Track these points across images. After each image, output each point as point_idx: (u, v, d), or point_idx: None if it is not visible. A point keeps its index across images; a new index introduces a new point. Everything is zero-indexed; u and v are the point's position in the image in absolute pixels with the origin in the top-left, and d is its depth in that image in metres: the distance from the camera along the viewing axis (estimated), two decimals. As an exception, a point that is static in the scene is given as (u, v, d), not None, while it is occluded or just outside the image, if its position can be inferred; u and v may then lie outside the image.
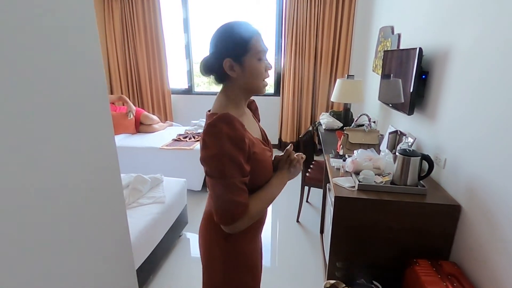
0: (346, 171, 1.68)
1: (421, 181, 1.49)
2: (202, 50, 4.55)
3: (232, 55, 0.80)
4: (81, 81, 0.79)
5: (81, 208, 0.82)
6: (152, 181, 2.08)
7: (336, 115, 3.07)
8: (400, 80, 2.01)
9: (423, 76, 1.78)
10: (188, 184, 2.93)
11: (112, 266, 0.93)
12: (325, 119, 2.99)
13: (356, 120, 2.16)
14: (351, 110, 3.00)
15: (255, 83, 0.85)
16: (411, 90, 1.76)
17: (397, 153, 1.50)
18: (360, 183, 1.50)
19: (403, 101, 1.94)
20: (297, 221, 2.54)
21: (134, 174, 2.20)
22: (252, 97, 0.97)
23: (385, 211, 1.43)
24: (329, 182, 1.98)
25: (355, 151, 1.71)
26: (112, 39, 4.14)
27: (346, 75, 2.90)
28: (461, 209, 1.36)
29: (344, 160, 1.71)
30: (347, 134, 2.02)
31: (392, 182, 1.53)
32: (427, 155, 1.47)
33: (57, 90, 0.70)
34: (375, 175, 1.56)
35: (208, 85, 5.22)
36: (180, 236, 2.36)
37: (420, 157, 1.44)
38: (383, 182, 1.52)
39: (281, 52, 4.08)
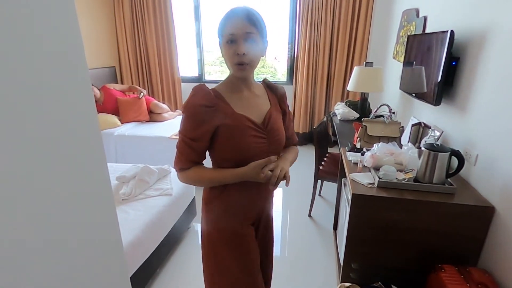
0: (365, 166, 1.55)
1: (449, 179, 1.36)
2: (213, 38, 4.41)
3: (219, 38, 0.92)
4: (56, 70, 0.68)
5: (62, 209, 0.72)
6: (159, 172, 2.02)
7: (352, 105, 2.91)
8: (424, 68, 1.84)
9: (453, 63, 1.61)
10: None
11: (99, 272, 0.83)
12: (340, 109, 2.84)
13: (376, 110, 2.01)
14: (369, 100, 2.83)
15: (229, 65, 0.92)
16: (439, 79, 1.59)
17: (422, 148, 1.36)
18: (380, 179, 1.38)
19: (426, 90, 1.78)
20: (309, 215, 2.45)
21: (141, 164, 2.14)
22: (277, 84, 1.09)
23: (408, 211, 1.31)
24: (344, 177, 1.87)
25: (374, 145, 1.58)
26: (122, 27, 4.05)
27: (364, 63, 2.72)
28: (495, 211, 1.22)
29: (362, 154, 1.58)
30: (365, 126, 1.88)
31: (416, 179, 1.40)
32: (457, 150, 1.32)
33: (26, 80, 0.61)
34: (397, 171, 1.43)
35: (220, 74, 5.11)
36: (189, 228, 2.31)
37: (449, 153, 1.30)
38: (406, 179, 1.39)
39: (295, 38, 3.91)
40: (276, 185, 0.90)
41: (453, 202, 1.26)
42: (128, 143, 3.05)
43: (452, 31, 1.51)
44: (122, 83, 4.29)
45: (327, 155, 2.60)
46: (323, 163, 2.45)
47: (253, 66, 0.93)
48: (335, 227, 2.15)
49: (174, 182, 2.02)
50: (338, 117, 2.80)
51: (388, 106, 1.92)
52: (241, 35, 0.86)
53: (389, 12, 3.21)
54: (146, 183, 1.88)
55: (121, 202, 1.73)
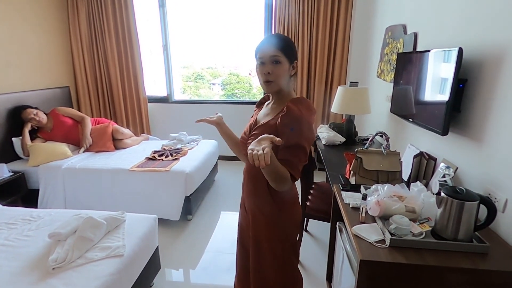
0: (368, 213, 1.24)
1: (476, 233, 1.08)
2: (182, 52, 4.08)
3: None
4: None
5: None
6: (109, 224, 1.58)
7: (337, 127, 2.65)
8: (421, 90, 1.60)
9: (460, 86, 1.38)
10: (164, 213, 2.46)
11: None
12: (324, 133, 2.57)
13: (371, 140, 1.74)
14: (354, 122, 2.59)
15: (260, 83, 1.12)
16: (447, 103, 1.35)
17: (442, 193, 1.08)
18: (393, 236, 1.07)
19: (427, 116, 1.54)
20: (296, 258, 2.09)
21: (85, 212, 1.70)
22: (292, 112, 1.05)
23: (431, 279, 1.00)
24: (339, 220, 1.56)
25: (379, 187, 1.28)
26: (78, 41, 3.60)
27: (348, 82, 2.49)
28: (543, 278, 0.95)
29: (364, 198, 1.27)
30: (360, 158, 1.59)
31: (434, 232, 1.11)
32: (487, 197, 1.05)
33: None
34: (409, 220, 1.13)
35: (195, 89, 4.77)
36: (151, 286, 1.86)
37: (478, 202, 1.02)
38: (423, 234, 1.09)
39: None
40: (256, 163, 0.83)
41: (489, 269, 0.97)
42: (79, 178, 2.56)
43: (460, 49, 1.27)
44: (78, 104, 3.79)
45: (313, 186, 2.29)
46: (309, 196, 2.13)
47: (278, 84, 1.08)
48: (329, 278, 1.80)
49: (130, 233, 1.60)
50: (323, 142, 2.53)
51: (384, 134, 1.67)
52: (268, 58, 1.05)
53: (369, 29, 3.06)
54: (89, 241, 1.44)
55: (51, 273, 1.28)
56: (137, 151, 3.03)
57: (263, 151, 0.83)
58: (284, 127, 1.03)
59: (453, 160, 1.42)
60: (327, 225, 1.94)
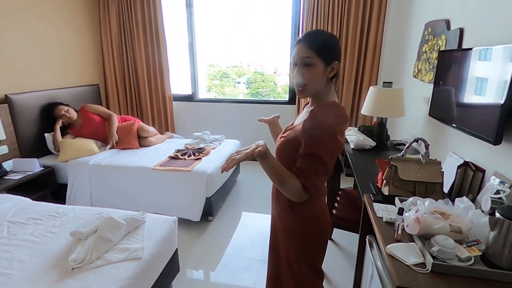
0: (405, 230, 1.11)
1: (539, 262, 0.91)
2: (208, 51, 4.07)
3: None
4: None
5: None
6: (129, 224, 1.56)
7: (367, 131, 2.49)
8: (459, 90, 1.42)
9: (517, 88, 1.20)
10: (185, 213, 2.43)
11: None
12: (353, 136, 2.42)
13: (408, 146, 1.58)
14: (386, 125, 2.41)
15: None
16: (502, 106, 1.18)
17: (497, 213, 0.93)
18: (436, 260, 0.94)
19: (476, 121, 1.37)
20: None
21: (106, 211, 1.69)
22: (315, 119, 0.96)
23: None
24: (370, 234, 1.42)
25: (418, 201, 1.15)
26: (108, 42, 3.69)
27: (381, 82, 2.32)
28: None
29: (400, 213, 1.14)
30: (395, 166, 1.45)
31: (485, 258, 0.96)
32: (554, 221, 0.89)
33: None
34: (455, 242, 0.99)
35: (220, 88, 4.76)
36: (169, 289, 1.84)
37: (543, 226, 0.86)
38: (472, 260, 0.95)
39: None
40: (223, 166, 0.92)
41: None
42: (105, 175, 2.60)
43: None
44: (107, 102, 3.90)
45: (340, 192, 2.16)
46: (336, 204, 2.00)
47: (309, 89, 0.97)
48: (356, 294, 1.67)
49: (149, 235, 1.57)
50: (351, 145, 2.38)
51: (424, 140, 1.50)
52: (300, 60, 0.95)
53: (405, 25, 2.85)
54: (109, 242, 1.43)
55: (70, 272, 1.27)
56: (160, 149, 3.04)
57: (236, 157, 0.92)
58: (304, 133, 0.94)
59: (508, 173, 1.24)
60: (354, 235, 1.81)
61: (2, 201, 1.91)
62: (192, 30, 3.77)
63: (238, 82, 5.03)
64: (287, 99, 3.82)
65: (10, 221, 1.70)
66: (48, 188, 2.60)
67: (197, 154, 2.81)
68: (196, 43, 3.84)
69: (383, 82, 2.29)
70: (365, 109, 2.34)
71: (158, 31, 3.62)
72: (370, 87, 2.31)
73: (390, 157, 1.49)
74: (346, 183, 3.02)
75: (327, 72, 0.96)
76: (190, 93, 4.01)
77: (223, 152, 2.97)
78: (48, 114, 2.85)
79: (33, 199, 2.03)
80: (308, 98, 1.05)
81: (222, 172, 0.95)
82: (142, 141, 3.14)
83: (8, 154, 2.55)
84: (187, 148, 2.99)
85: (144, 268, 1.39)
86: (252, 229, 2.53)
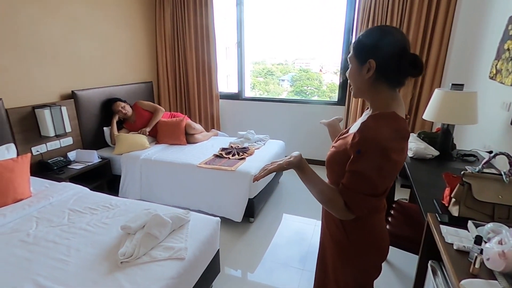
0: (484, 265, 0.94)
1: None
2: (254, 48, 4.05)
3: None
4: None
5: None
6: (174, 222, 1.58)
7: (428, 138, 2.23)
8: None
9: None
10: (227, 212, 2.43)
11: None
12: (412, 144, 2.18)
13: (487, 161, 1.35)
14: (453, 133, 2.13)
15: None
16: None
17: None
18: (529, 309, 0.76)
19: None
20: None
21: (154, 208, 1.74)
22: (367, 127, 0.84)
23: None
24: (433, 258, 1.25)
25: (504, 230, 0.96)
26: (162, 41, 3.85)
27: (449, 84, 2.05)
28: None
29: (477, 243, 0.96)
30: (468, 184, 1.24)
31: None
32: None
33: None
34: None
35: (264, 85, 4.75)
36: (209, 289, 1.84)
37: None
38: None
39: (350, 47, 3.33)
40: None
41: None
42: (153, 169, 2.72)
43: None
44: (158, 99, 4.09)
45: (394, 205, 1.96)
46: (390, 218, 1.82)
47: (355, 90, 0.92)
48: (410, 322, 1.50)
49: (192, 234, 1.57)
50: (410, 154, 2.15)
51: (508, 156, 1.27)
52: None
53: (481, 19, 2.49)
54: (155, 238, 1.46)
55: (118, 266, 1.32)
56: (206, 146, 3.09)
57: (269, 167, 0.91)
58: (352, 147, 0.83)
59: None
60: (410, 255, 1.63)
61: (65, 189, 2.08)
62: (241, 28, 3.76)
63: (283, 80, 4.96)
64: (336, 99, 3.62)
65: (71, 209, 1.83)
66: (105, 178, 2.80)
67: (241, 153, 2.80)
68: (244, 41, 3.83)
69: (452, 84, 2.02)
70: (428, 114, 2.09)
71: (209, 30, 3.68)
72: (436, 90, 2.06)
73: (462, 172, 1.29)
74: (400, 194, 2.77)
75: (363, 72, 0.85)
76: (236, 91, 4.02)
77: (267, 152, 2.91)
78: (107, 109, 3.06)
79: (90, 189, 2.19)
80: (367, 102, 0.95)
81: (253, 182, 0.92)
82: (189, 138, 3.23)
83: (72, 145, 2.80)
84: (231, 146, 2.99)
85: (187, 268, 1.39)
86: (293, 232, 2.45)
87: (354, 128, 0.96)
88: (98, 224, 1.67)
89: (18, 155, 2.20)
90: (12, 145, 2.20)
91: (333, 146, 0.98)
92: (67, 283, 1.23)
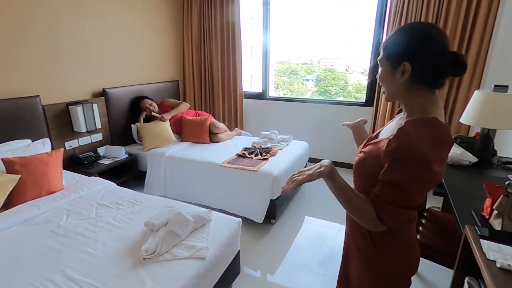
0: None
1: None
2: (279, 48, 4.00)
3: None
4: None
5: None
6: (196, 221, 1.59)
7: (465, 143, 2.08)
8: None
9: None
10: (248, 213, 2.41)
11: None
12: (447, 149, 2.04)
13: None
14: (493, 139, 1.97)
15: None
16: None
17: None
18: None
19: None
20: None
21: (177, 206, 1.75)
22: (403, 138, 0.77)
23: None
24: (469, 275, 1.15)
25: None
26: (189, 40, 3.91)
27: (491, 86, 1.89)
28: None
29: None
30: (514, 195, 1.13)
31: None
32: None
33: None
34: None
35: (289, 85, 4.69)
36: (229, 290, 1.83)
37: None
38: None
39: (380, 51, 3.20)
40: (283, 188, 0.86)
41: None
42: (177, 167, 2.76)
43: None
44: (184, 97, 4.16)
45: (425, 214, 1.85)
46: (420, 228, 1.71)
47: (388, 94, 0.86)
48: None
49: (214, 233, 1.57)
50: (443, 159, 2.01)
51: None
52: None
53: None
54: (177, 237, 1.47)
55: (141, 262, 1.34)
56: (229, 146, 3.09)
57: (298, 178, 0.84)
58: (387, 154, 0.76)
59: None
60: (443, 268, 1.53)
61: (94, 183, 2.16)
62: (267, 28, 3.73)
63: (307, 80, 4.88)
64: (363, 100, 3.49)
65: (99, 203, 1.90)
66: (131, 174, 2.88)
67: (264, 153, 2.77)
68: (270, 40, 3.79)
69: (495, 86, 1.86)
70: (466, 118, 1.94)
71: (235, 30, 3.69)
72: (476, 91, 1.91)
73: (507, 182, 1.17)
74: (432, 202, 2.62)
75: (397, 75, 0.79)
76: (260, 90, 4.00)
77: (290, 153, 2.86)
78: (135, 106, 3.15)
79: (117, 184, 2.25)
80: (401, 105, 0.87)
81: (282, 194, 0.88)
82: (212, 136, 3.25)
83: (102, 141, 2.91)
84: (254, 146, 2.97)
85: (207, 268, 1.39)
86: (315, 236, 2.39)
87: (386, 132, 0.90)
88: (123, 219, 1.72)
89: (52, 149, 2.31)
90: (47, 140, 2.32)
91: (361, 152, 0.92)
92: (93, 276, 1.26)
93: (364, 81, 3.50)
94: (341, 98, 4.20)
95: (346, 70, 4.45)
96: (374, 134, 0.97)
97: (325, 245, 2.27)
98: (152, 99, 3.22)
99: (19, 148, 2.10)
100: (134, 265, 1.32)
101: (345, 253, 1.10)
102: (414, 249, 0.93)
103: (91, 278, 1.25)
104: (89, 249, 1.44)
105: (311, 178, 0.83)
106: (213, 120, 3.34)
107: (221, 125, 3.37)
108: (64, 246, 1.47)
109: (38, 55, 2.35)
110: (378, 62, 0.85)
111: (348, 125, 1.24)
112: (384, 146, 0.78)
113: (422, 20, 2.81)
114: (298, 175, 0.87)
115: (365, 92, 3.47)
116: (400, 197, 0.74)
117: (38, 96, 2.32)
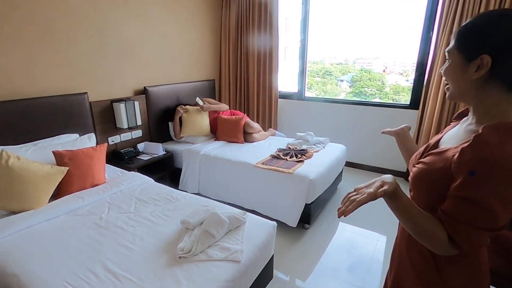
0: None
1: None
2: (315, 48, 3.88)
3: None
4: None
5: None
6: (231, 222, 1.56)
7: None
8: None
9: None
10: (282, 216, 2.36)
11: None
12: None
13: None
14: None
15: None
16: None
17: None
18: None
19: None
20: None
21: (212, 205, 1.74)
22: (478, 120, 0.74)
23: None
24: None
25: None
26: (226, 40, 3.93)
27: None
28: None
29: None
30: None
31: None
32: None
33: None
34: None
35: (322, 85, 4.55)
36: (261, 294, 1.78)
37: None
38: None
39: (429, 49, 2.97)
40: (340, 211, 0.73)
41: None
42: (212, 165, 2.78)
43: None
44: (219, 96, 4.19)
45: (482, 230, 1.65)
46: (476, 246, 1.53)
47: (451, 91, 0.75)
48: None
49: (248, 236, 1.53)
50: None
51: None
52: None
53: None
54: (212, 237, 1.45)
55: (177, 260, 1.34)
56: (263, 146, 3.05)
57: (357, 198, 0.71)
58: (461, 166, 0.65)
59: None
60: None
61: (134, 178, 2.23)
62: (306, 27, 3.64)
63: (341, 80, 4.71)
64: (408, 102, 3.26)
65: (137, 198, 1.95)
66: (167, 170, 2.96)
67: (299, 155, 2.69)
68: (308, 40, 3.69)
69: None
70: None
71: (272, 30, 3.64)
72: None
73: None
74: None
75: (470, 70, 0.68)
76: (296, 90, 3.91)
77: (327, 156, 2.75)
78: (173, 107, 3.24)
79: (155, 180, 2.31)
80: (469, 107, 0.76)
81: (339, 217, 0.75)
82: (246, 136, 3.23)
83: (142, 137, 3.02)
84: (289, 148, 2.90)
85: (241, 272, 1.35)
86: (350, 244, 2.28)
87: (450, 140, 0.79)
88: (160, 215, 1.74)
89: (97, 144, 2.43)
90: (93, 135, 2.45)
91: (420, 162, 0.81)
92: (131, 270, 1.28)
93: (403, 82, 3.27)
94: (377, 100, 3.98)
95: (384, 70, 4.22)
96: (433, 142, 0.86)
97: (362, 256, 2.13)
98: (186, 105, 3.27)
99: (68, 142, 2.22)
100: (170, 263, 1.33)
101: (396, 274, 0.96)
102: (484, 278, 0.81)
103: (129, 273, 1.27)
104: (128, 243, 1.48)
105: (373, 198, 0.71)
106: (248, 119, 3.32)
107: (256, 125, 3.34)
108: (106, 238, 1.52)
109: (87, 54, 2.48)
110: (446, 53, 0.75)
111: (389, 132, 1.13)
112: (455, 156, 0.67)
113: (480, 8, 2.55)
114: (355, 193, 0.75)
115: (403, 93, 3.25)
116: (480, 217, 0.64)
117: (86, 93, 2.45)
